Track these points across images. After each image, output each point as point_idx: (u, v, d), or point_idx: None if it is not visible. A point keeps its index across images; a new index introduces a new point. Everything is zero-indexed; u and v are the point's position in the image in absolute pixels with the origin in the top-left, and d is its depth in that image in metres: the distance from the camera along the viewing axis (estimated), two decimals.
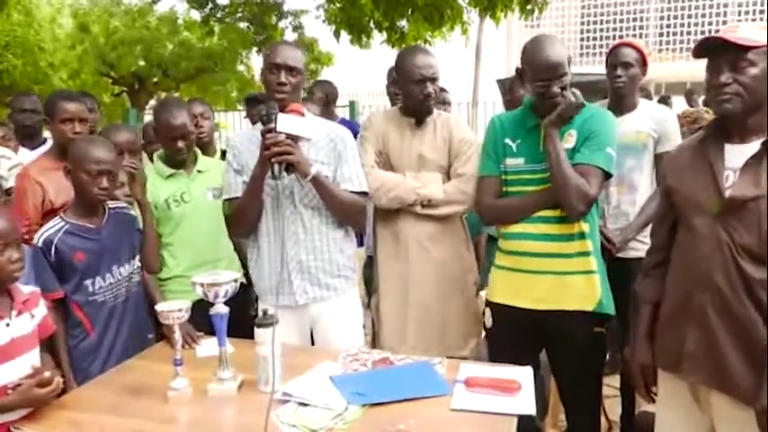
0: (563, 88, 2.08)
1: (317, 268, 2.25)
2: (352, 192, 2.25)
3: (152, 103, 15.82)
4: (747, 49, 1.55)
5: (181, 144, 2.47)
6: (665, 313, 1.80)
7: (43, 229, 2.13)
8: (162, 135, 2.50)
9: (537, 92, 2.12)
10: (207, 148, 3.00)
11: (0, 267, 1.72)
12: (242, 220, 2.26)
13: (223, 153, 3.09)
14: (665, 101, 7.11)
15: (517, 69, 2.22)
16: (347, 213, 2.28)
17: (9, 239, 1.73)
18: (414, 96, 2.43)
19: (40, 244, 2.09)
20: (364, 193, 2.31)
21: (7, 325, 1.72)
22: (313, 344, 2.35)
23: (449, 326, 2.52)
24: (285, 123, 2.07)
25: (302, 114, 2.17)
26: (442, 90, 3.11)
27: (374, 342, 2.62)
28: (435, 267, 2.49)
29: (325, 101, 4.32)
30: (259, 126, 2.24)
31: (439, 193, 2.43)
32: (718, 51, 1.59)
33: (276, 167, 2.06)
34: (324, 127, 2.29)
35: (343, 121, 4.31)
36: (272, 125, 2.05)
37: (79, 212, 2.17)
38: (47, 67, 12.99)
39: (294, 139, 2.09)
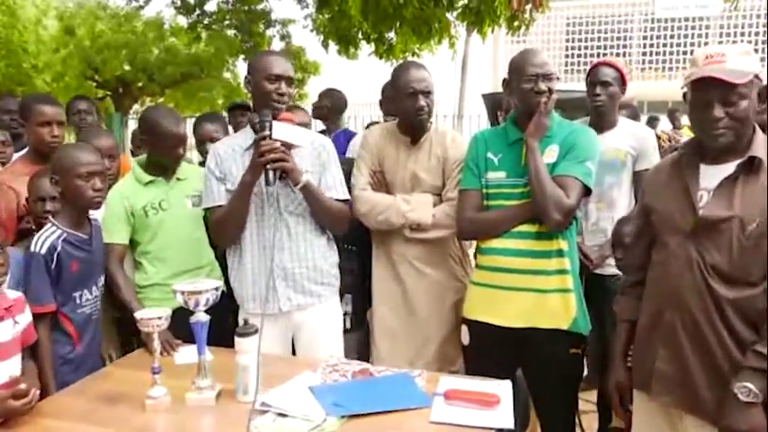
0: (550, 91, 2.12)
1: (302, 275, 2.26)
2: (336, 199, 2.29)
3: (136, 107, 15.73)
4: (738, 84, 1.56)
5: (181, 151, 2.46)
6: (639, 331, 1.83)
7: (43, 236, 2.07)
8: (163, 142, 2.44)
9: (523, 92, 2.14)
10: None
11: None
12: (228, 227, 2.25)
13: None
14: (652, 121, 7.22)
15: (504, 80, 2.26)
16: (333, 220, 2.31)
17: None
18: (406, 110, 2.45)
19: (43, 251, 2.04)
20: (346, 200, 2.35)
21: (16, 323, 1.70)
22: (294, 351, 2.35)
23: (440, 342, 2.53)
24: (280, 131, 2.10)
25: (294, 122, 2.20)
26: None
27: (368, 355, 2.63)
28: (427, 287, 2.51)
29: (329, 110, 4.33)
30: (243, 134, 2.25)
31: (427, 218, 2.44)
32: (708, 86, 1.58)
33: (270, 174, 2.08)
34: (308, 135, 2.32)
35: (345, 132, 4.32)
36: (267, 132, 2.08)
37: (69, 222, 2.13)
38: (30, 69, 12.87)
39: (287, 146, 2.12)
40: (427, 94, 2.42)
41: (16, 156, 3.16)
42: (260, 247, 2.24)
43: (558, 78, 2.17)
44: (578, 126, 2.27)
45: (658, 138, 5.53)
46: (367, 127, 3.38)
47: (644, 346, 1.78)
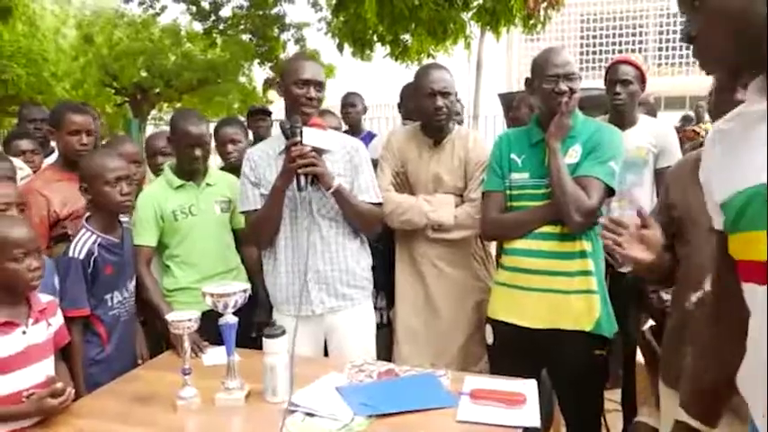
0: (572, 91, 2.13)
1: (335, 278, 2.29)
2: (369, 203, 2.31)
3: (154, 113, 15.92)
4: None
5: (198, 152, 2.49)
6: (669, 329, 1.83)
7: (80, 241, 2.13)
8: (180, 142, 2.51)
9: (545, 92, 2.15)
10: (237, 171, 3.04)
11: (19, 275, 1.75)
12: (262, 231, 2.30)
13: None
14: (687, 120, 7.14)
15: (526, 80, 2.27)
16: (365, 223, 2.34)
17: (29, 248, 1.77)
18: (425, 110, 2.47)
19: (81, 256, 2.10)
20: (379, 204, 2.37)
21: (23, 333, 1.75)
22: (326, 353, 2.38)
23: (463, 342, 2.54)
24: (310, 136, 2.14)
25: (324, 128, 2.22)
26: (458, 102, 3.12)
27: (390, 355, 2.65)
28: (449, 287, 2.52)
29: (358, 113, 4.36)
30: (276, 139, 2.28)
31: (449, 219, 2.45)
32: None
33: (302, 179, 2.12)
34: (339, 139, 2.34)
35: (369, 134, 4.35)
36: (298, 138, 2.12)
37: (101, 227, 2.18)
38: (50, 77, 13.07)
39: (318, 151, 2.15)
40: (446, 94, 2.43)
41: (45, 163, 3.23)
42: (294, 251, 2.27)
43: (580, 78, 2.17)
44: (603, 125, 2.27)
45: (697, 134, 5.49)
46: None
47: (673, 344, 1.78)
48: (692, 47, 0.95)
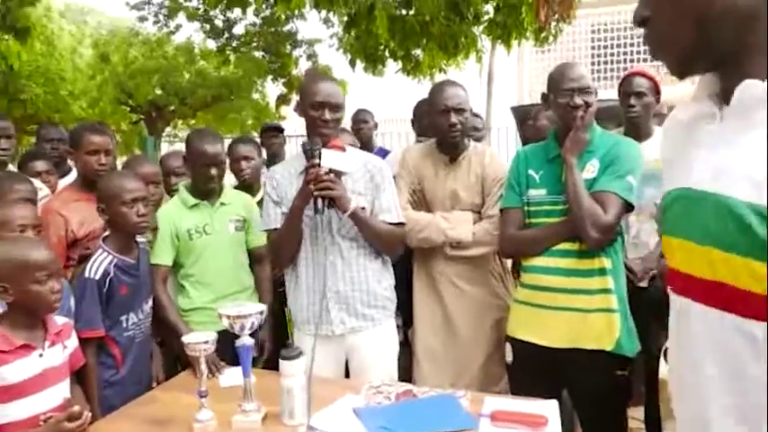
0: (587, 105, 2.10)
1: (355, 299, 2.27)
2: (389, 223, 2.28)
3: (168, 130, 16.06)
4: None
5: (213, 172, 2.50)
6: None
7: (96, 262, 2.13)
8: (195, 161, 2.52)
9: (560, 107, 2.13)
10: (251, 188, 3.06)
11: (42, 297, 1.75)
12: (281, 250, 2.31)
13: None
14: None
15: (543, 95, 2.25)
16: (385, 245, 2.32)
17: (51, 270, 1.77)
18: (439, 127, 2.46)
19: (97, 277, 2.10)
20: (402, 224, 2.34)
21: (40, 356, 1.75)
22: (348, 374, 2.36)
23: (483, 361, 2.51)
24: (329, 159, 2.13)
25: (344, 149, 2.21)
26: (473, 115, 3.08)
27: (410, 375, 2.62)
28: (468, 305, 2.50)
29: (370, 129, 4.36)
30: (298, 157, 2.28)
31: (468, 236, 2.43)
32: None
33: (319, 202, 2.11)
34: (361, 157, 2.33)
35: (381, 150, 4.35)
36: (317, 160, 2.11)
37: (117, 248, 2.18)
38: (67, 95, 13.24)
39: (336, 173, 2.14)
40: (460, 111, 2.42)
41: (62, 182, 3.25)
42: (314, 270, 2.26)
43: (595, 92, 2.15)
44: (621, 139, 2.25)
45: None
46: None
47: None
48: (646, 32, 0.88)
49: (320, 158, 2.12)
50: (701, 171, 0.84)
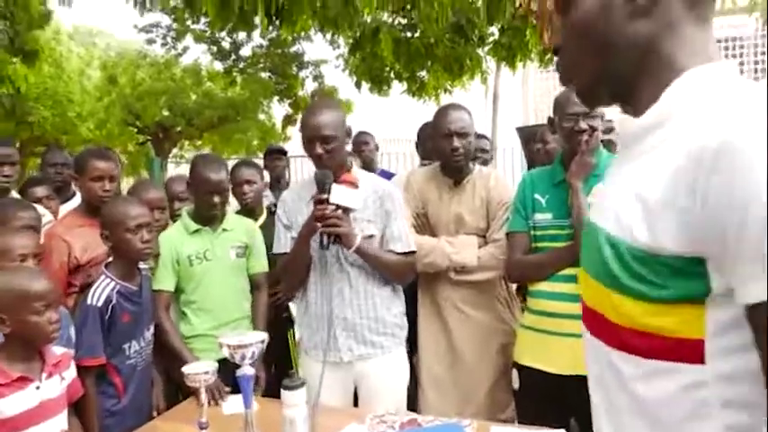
0: (593, 129, 2.08)
1: (363, 326, 2.23)
2: (399, 253, 2.24)
3: (175, 151, 16.16)
4: None
5: (216, 199, 2.48)
6: None
7: (99, 288, 2.11)
8: (198, 188, 2.50)
9: (566, 131, 2.12)
10: (252, 212, 3.05)
11: (40, 328, 1.72)
12: (289, 275, 2.31)
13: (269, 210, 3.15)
14: None
15: (549, 119, 2.24)
16: (395, 275, 2.28)
17: (50, 300, 1.75)
18: (442, 151, 2.45)
19: (99, 303, 2.07)
20: (413, 252, 2.29)
21: (37, 388, 1.72)
22: (356, 401, 2.32)
23: (489, 388, 2.47)
24: (338, 195, 2.11)
25: (356, 186, 2.18)
26: (480, 137, 3.05)
27: (415, 402, 2.58)
28: (473, 330, 2.46)
29: (371, 152, 4.35)
30: (310, 182, 2.25)
31: (473, 260, 2.41)
32: None
33: (325, 238, 2.09)
34: (371, 183, 2.30)
35: (383, 173, 4.34)
36: (325, 196, 2.09)
37: (120, 274, 2.16)
38: (75, 117, 13.33)
39: (345, 210, 2.12)
40: (463, 135, 2.40)
41: (64, 207, 3.25)
42: (322, 297, 2.24)
43: (602, 116, 2.13)
44: None
45: None
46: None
47: None
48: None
49: (329, 194, 2.09)
50: (595, 203, 0.89)
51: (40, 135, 12.24)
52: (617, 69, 0.83)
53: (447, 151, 2.42)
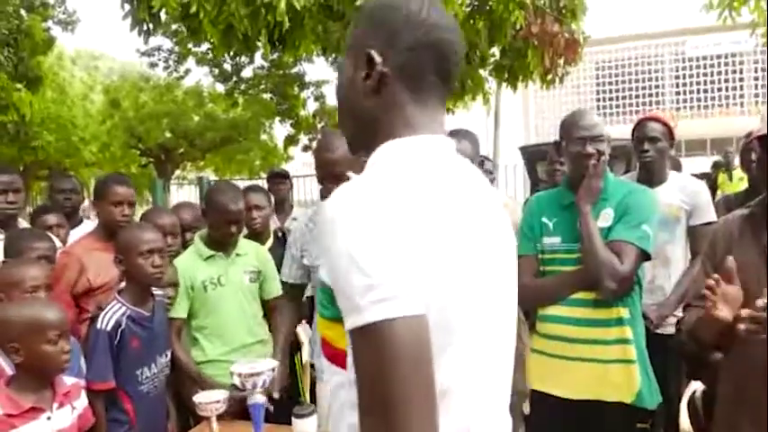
0: (600, 153, 2.09)
1: None
2: None
3: (178, 172, 16.21)
4: None
5: (233, 229, 2.51)
6: (722, 402, 1.72)
7: (109, 313, 2.11)
8: (216, 218, 2.52)
9: (572, 155, 2.13)
10: (259, 237, 3.07)
11: (52, 358, 1.73)
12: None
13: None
14: (725, 161, 7.00)
15: (555, 142, 2.25)
16: None
17: (63, 329, 1.76)
18: None
19: (108, 328, 2.07)
20: None
21: (48, 418, 1.72)
22: None
23: None
24: None
25: None
26: (483, 161, 3.04)
27: None
28: None
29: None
30: (313, 213, 2.29)
31: None
32: None
33: None
34: None
35: None
36: None
37: (132, 300, 2.17)
38: (78, 141, 13.42)
39: None
40: None
41: (73, 233, 3.26)
42: None
43: (609, 140, 2.14)
44: (635, 187, 2.23)
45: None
46: None
47: (728, 421, 1.67)
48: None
49: None
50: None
51: (44, 159, 12.29)
52: (361, 129, 1.00)
53: None
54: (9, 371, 1.84)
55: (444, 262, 0.86)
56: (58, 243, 2.92)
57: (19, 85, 7.22)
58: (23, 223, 3.09)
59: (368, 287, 0.79)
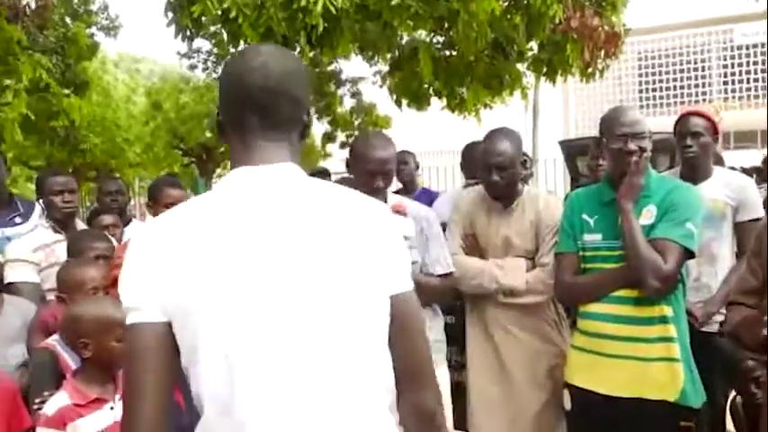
0: (642, 150, 2.07)
1: None
2: (439, 275, 2.31)
3: (219, 171, 16.51)
4: None
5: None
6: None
7: None
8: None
9: (613, 152, 2.11)
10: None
11: (119, 354, 1.78)
12: None
13: None
14: None
15: (596, 139, 2.24)
16: (437, 298, 2.36)
17: None
18: (483, 181, 2.47)
19: None
20: (451, 273, 2.36)
21: (111, 408, 1.81)
22: None
23: (539, 409, 2.45)
24: None
25: (405, 214, 2.24)
26: (527, 159, 2.98)
27: (463, 420, 2.58)
28: (522, 352, 2.45)
29: (411, 170, 4.38)
30: None
31: (520, 284, 2.40)
32: None
33: None
34: (411, 210, 2.35)
35: (424, 191, 4.36)
36: None
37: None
38: (123, 142, 13.82)
39: None
40: (502, 169, 2.36)
41: (125, 231, 3.38)
42: None
43: (650, 136, 2.11)
44: (679, 183, 2.20)
45: None
46: (465, 186, 3.38)
47: None
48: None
49: None
50: None
51: (91, 161, 12.68)
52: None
53: (486, 183, 2.44)
54: (73, 365, 1.96)
55: (188, 276, 1.02)
56: (114, 242, 3.04)
57: (67, 91, 7.49)
58: (80, 224, 3.22)
59: (123, 300, 1.08)
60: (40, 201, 3.24)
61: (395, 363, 1.10)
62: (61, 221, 2.91)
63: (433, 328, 2.33)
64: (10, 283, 2.60)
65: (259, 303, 1.02)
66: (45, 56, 6.47)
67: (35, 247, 2.75)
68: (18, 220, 3.15)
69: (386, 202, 2.35)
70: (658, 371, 2.03)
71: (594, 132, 2.33)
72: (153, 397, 1.03)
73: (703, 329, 2.54)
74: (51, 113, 6.44)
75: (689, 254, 2.04)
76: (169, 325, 1.04)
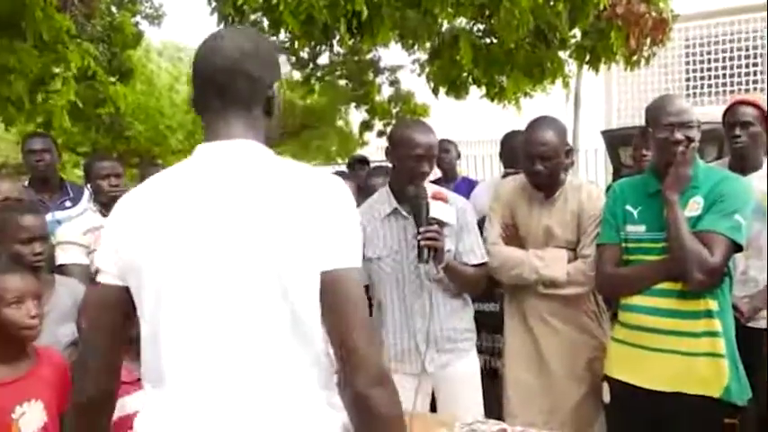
0: (689, 140, 2.02)
1: (442, 338, 2.33)
2: (474, 264, 2.35)
3: None
4: None
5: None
6: None
7: None
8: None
9: (659, 142, 2.06)
10: None
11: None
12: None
13: None
14: None
15: (642, 128, 2.20)
16: (470, 287, 2.41)
17: None
18: (525, 171, 2.44)
19: None
20: (484, 263, 2.40)
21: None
22: (434, 406, 2.39)
23: (577, 401, 2.44)
24: (436, 211, 2.18)
25: (446, 201, 2.25)
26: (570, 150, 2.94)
27: (500, 409, 2.59)
28: (561, 344, 2.44)
29: (452, 159, 4.39)
30: (382, 198, 2.35)
31: (561, 275, 2.38)
32: None
33: (425, 252, 2.13)
34: (454, 201, 2.36)
35: (465, 180, 4.35)
36: (424, 212, 2.16)
37: None
38: (165, 129, 14.09)
39: (440, 224, 2.18)
40: (546, 158, 2.33)
41: None
42: (401, 311, 2.33)
43: (698, 126, 2.06)
44: (728, 174, 2.15)
45: None
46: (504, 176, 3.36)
47: None
48: None
49: (428, 210, 2.16)
50: None
51: (135, 147, 12.98)
52: None
53: (527, 172, 2.42)
54: None
55: (138, 240, 1.15)
56: None
57: (113, 79, 7.65)
58: None
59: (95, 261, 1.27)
60: (88, 186, 3.34)
61: (331, 341, 1.13)
62: (108, 205, 2.99)
63: (464, 318, 2.38)
64: (61, 265, 2.70)
65: (184, 270, 1.13)
66: (92, 44, 6.63)
67: (85, 230, 2.84)
68: (68, 203, 3.26)
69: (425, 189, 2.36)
70: (703, 366, 2.00)
71: (637, 122, 2.29)
72: (102, 354, 1.28)
73: (749, 325, 2.49)
74: (98, 101, 6.58)
75: (737, 247, 1.99)
76: (126, 289, 1.19)
